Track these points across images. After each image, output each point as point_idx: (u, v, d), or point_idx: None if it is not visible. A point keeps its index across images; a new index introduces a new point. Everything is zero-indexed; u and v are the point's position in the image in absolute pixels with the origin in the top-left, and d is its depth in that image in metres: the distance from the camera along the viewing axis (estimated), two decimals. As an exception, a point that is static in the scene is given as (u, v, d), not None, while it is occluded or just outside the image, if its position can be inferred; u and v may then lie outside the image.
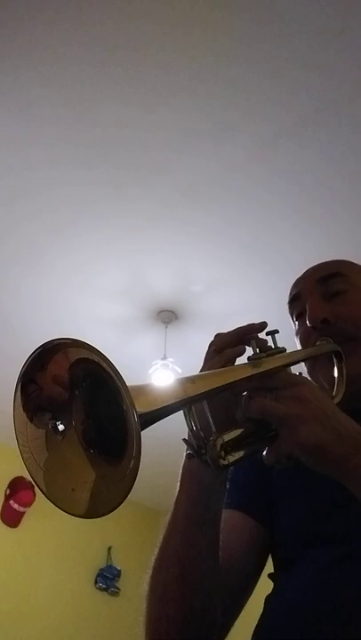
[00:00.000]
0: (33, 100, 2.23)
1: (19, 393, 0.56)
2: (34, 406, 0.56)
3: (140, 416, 0.49)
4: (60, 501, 0.54)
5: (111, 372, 0.49)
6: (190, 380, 0.63)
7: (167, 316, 3.17)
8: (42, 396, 0.56)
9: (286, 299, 1.05)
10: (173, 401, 0.58)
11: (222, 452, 0.68)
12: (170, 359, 3.08)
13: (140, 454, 0.48)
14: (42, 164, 2.47)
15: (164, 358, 3.10)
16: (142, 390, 0.55)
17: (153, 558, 0.82)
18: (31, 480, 0.57)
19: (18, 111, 2.27)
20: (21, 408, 0.56)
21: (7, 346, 3.31)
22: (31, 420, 0.56)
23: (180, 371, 3.04)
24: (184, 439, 0.70)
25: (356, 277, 0.98)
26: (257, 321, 0.81)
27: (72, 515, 0.53)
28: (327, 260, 1.04)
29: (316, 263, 1.04)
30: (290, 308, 1.03)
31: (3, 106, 2.25)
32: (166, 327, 3.20)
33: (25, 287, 3.09)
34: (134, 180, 2.53)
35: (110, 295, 3.09)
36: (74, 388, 0.55)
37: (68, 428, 0.56)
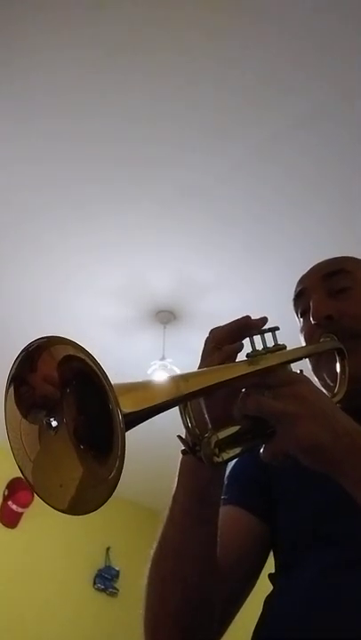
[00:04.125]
0: (31, 96, 2.22)
1: (11, 393, 0.56)
2: (28, 405, 0.56)
3: (125, 415, 0.48)
4: (48, 496, 0.54)
5: (96, 370, 0.49)
6: (184, 379, 0.62)
7: (166, 317, 3.17)
8: (35, 396, 0.56)
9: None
10: (165, 399, 0.57)
11: (216, 450, 0.68)
12: (168, 360, 3.08)
13: (124, 454, 0.48)
14: (39, 161, 2.45)
15: (163, 359, 3.09)
16: (131, 388, 0.55)
17: (151, 552, 0.82)
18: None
19: (16, 107, 2.26)
20: (15, 406, 0.56)
21: (3, 347, 3.29)
22: (25, 416, 0.56)
23: (178, 371, 3.03)
24: (179, 436, 0.69)
25: None
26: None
27: (56, 509, 0.54)
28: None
29: (315, 263, 1.03)
30: (295, 304, 1.02)
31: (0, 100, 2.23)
32: (165, 327, 3.20)
33: (22, 287, 3.07)
34: (133, 180, 2.53)
35: (108, 295, 3.08)
36: (65, 386, 0.56)
37: (60, 425, 0.56)
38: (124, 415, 0.48)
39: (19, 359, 0.54)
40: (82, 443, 0.55)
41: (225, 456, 0.69)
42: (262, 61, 2.08)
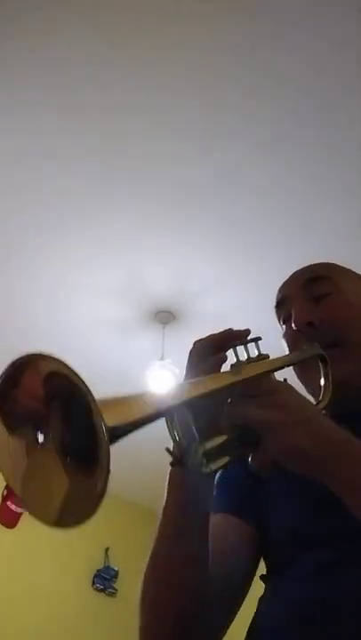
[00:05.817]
0: (28, 91, 2.21)
1: None
2: (13, 421, 0.57)
3: (110, 429, 0.49)
4: (37, 511, 0.55)
5: (81, 387, 0.49)
6: (167, 392, 0.63)
7: (165, 317, 3.17)
8: (20, 411, 0.57)
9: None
10: (149, 412, 0.58)
11: (204, 460, 0.68)
12: (168, 360, 3.07)
13: (109, 467, 0.49)
14: (37, 155, 2.44)
15: (162, 359, 3.09)
16: (115, 402, 0.55)
17: (145, 562, 0.82)
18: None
19: (14, 102, 2.25)
20: (1, 424, 0.56)
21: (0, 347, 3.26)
22: (12, 433, 0.56)
23: (177, 371, 3.03)
24: (167, 448, 0.70)
25: (341, 280, 0.98)
26: (251, 323, 0.81)
27: (43, 523, 0.54)
28: (326, 260, 1.04)
29: (315, 263, 1.03)
30: (276, 312, 1.03)
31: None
32: (164, 328, 3.20)
33: (18, 286, 3.04)
34: (132, 178, 2.52)
35: (107, 295, 3.08)
36: (51, 401, 0.56)
37: (46, 439, 0.57)
38: (109, 429, 0.49)
39: (3, 376, 0.54)
40: (68, 456, 0.56)
41: (213, 466, 0.69)
42: (262, 63, 2.08)
